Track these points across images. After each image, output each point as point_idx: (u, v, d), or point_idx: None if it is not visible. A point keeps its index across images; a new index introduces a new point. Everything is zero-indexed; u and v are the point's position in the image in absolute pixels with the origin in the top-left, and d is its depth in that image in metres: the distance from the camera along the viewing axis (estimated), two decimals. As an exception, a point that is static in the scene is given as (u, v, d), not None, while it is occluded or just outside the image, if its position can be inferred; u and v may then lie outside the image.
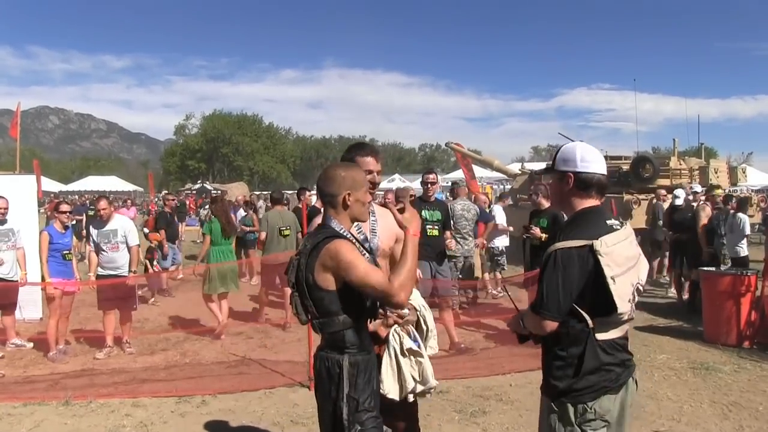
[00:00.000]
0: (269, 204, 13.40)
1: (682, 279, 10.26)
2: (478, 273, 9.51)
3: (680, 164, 15.19)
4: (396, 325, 3.07)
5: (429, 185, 7.28)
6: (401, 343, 3.04)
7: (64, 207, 7.72)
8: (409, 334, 3.12)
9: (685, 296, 10.00)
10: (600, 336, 2.52)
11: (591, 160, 2.64)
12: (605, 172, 2.68)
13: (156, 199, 33.26)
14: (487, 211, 10.79)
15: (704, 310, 7.98)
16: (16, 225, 7.52)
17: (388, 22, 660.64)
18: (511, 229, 11.24)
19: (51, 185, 42.36)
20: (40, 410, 5.48)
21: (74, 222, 15.67)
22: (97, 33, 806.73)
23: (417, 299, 3.26)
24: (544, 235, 7.24)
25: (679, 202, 10.50)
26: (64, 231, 7.49)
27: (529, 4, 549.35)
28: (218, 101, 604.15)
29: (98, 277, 7.44)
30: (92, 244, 7.49)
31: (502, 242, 10.88)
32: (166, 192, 17.59)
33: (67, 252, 7.46)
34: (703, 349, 7.39)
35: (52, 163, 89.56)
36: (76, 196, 32.61)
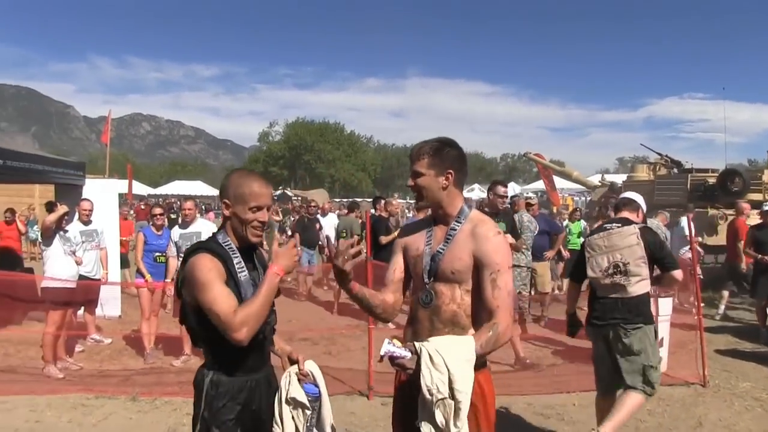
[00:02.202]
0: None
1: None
2: (547, 287, 9.31)
3: (775, 177, 14.44)
4: (293, 368, 2.62)
5: (502, 198, 7.19)
6: (288, 390, 2.58)
7: (157, 210, 8.03)
8: (309, 379, 2.64)
9: None
10: (597, 293, 4.66)
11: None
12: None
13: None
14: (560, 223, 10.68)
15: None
16: (99, 226, 7.91)
17: (472, 32, 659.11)
18: None
19: (140, 189, 44.28)
20: (109, 403, 5.77)
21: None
22: (189, 43, 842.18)
23: (435, 346, 2.41)
24: None
25: None
26: (159, 233, 7.71)
27: (617, 11, 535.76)
28: (302, 109, 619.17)
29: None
30: (173, 247, 7.29)
31: None
32: (309, 198, 17.84)
33: (160, 254, 7.58)
34: (794, 380, 6.85)
35: (143, 168, 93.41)
36: (161, 200, 33.88)
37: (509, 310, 2.53)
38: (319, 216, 13.55)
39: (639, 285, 4.48)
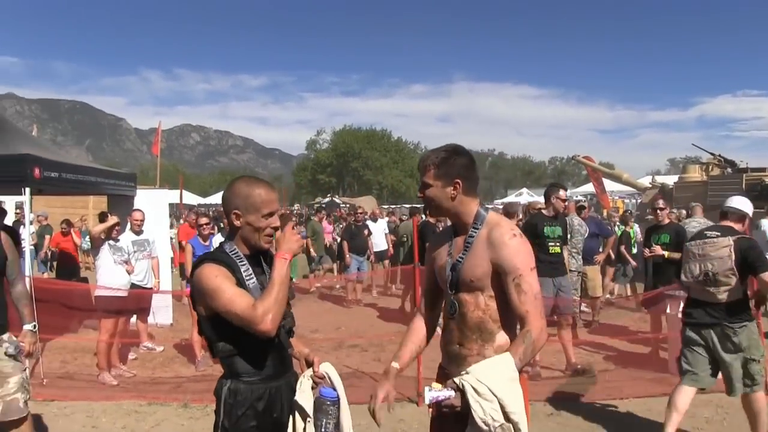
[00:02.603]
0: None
1: None
2: (598, 291, 9.19)
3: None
4: (308, 371, 2.63)
5: (562, 201, 7.12)
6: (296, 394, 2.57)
7: (203, 220, 8.14)
8: (325, 382, 2.62)
9: None
10: (691, 294, 4.85)
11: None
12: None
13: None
14: (609, 227, 10.56)
15: None
16: (150, 236, 8.11)
17: (517, 35, 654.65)
18: None
19: (190, 198, 45.19)
20: (161, 410, 5.93)
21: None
22: (236, 54, 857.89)
23: (476, 376, 2.34)
24: (666, 253, 7.12)
25: None
26: (206, 243, 7.79)
27: (666, 7, 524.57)
28: (349, 116, 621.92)
29: None
30: None
31: None
32: (357, 205, 17.82)
33: None
34: None
35: (193, 178, 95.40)
36: (211, 210, 34.54)
37: (539, 313, 2.45)
38: (368, 221, 13.61)
39: (727, 294, 4.58)
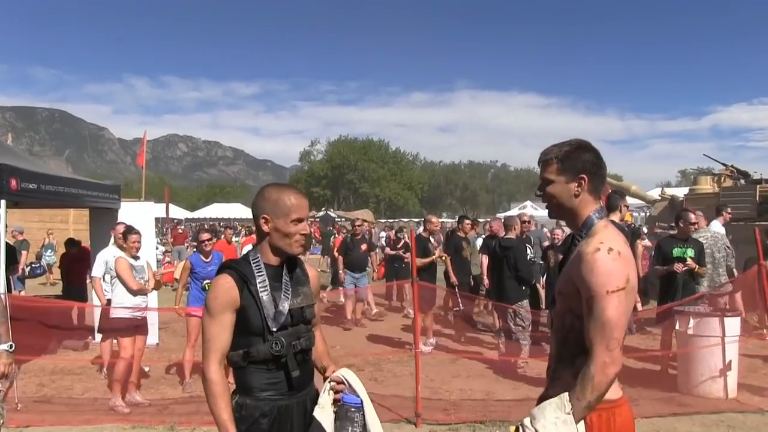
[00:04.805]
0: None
1: None
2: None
3: None
4: (327, 385, 2.67)
5: (626, 208, 7.20)
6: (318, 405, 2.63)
7: (204, 236, 7.97)
8: (343, 387, 2.65)
9: None
10: None
11: None
12: None
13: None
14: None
15: None
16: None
17: (523, 41, 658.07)
18: None
19: (178, 212, 45.14)
20: (146, 434, 5.89)
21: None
22: (228, 61, 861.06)
23: (534, 423, 2.23)
24: (697, 267, 7.51)
25: None
26: (207, 260, 7.71)
27: (677, 13, 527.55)
28: (346, 126, 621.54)
29: None
30: None
31: None
32: (356, 219, 17.65)
33: (209, 282, 7.54)
34: None
35: (180, 190, 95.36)
36: (206, 224, 34.53)
37: (606, 344, 2.15)
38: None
39: None
